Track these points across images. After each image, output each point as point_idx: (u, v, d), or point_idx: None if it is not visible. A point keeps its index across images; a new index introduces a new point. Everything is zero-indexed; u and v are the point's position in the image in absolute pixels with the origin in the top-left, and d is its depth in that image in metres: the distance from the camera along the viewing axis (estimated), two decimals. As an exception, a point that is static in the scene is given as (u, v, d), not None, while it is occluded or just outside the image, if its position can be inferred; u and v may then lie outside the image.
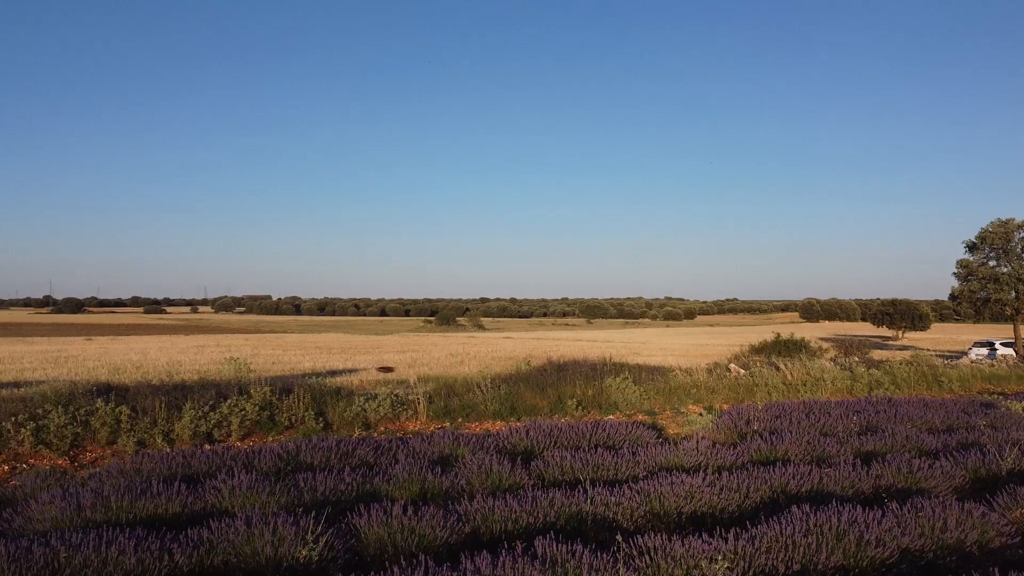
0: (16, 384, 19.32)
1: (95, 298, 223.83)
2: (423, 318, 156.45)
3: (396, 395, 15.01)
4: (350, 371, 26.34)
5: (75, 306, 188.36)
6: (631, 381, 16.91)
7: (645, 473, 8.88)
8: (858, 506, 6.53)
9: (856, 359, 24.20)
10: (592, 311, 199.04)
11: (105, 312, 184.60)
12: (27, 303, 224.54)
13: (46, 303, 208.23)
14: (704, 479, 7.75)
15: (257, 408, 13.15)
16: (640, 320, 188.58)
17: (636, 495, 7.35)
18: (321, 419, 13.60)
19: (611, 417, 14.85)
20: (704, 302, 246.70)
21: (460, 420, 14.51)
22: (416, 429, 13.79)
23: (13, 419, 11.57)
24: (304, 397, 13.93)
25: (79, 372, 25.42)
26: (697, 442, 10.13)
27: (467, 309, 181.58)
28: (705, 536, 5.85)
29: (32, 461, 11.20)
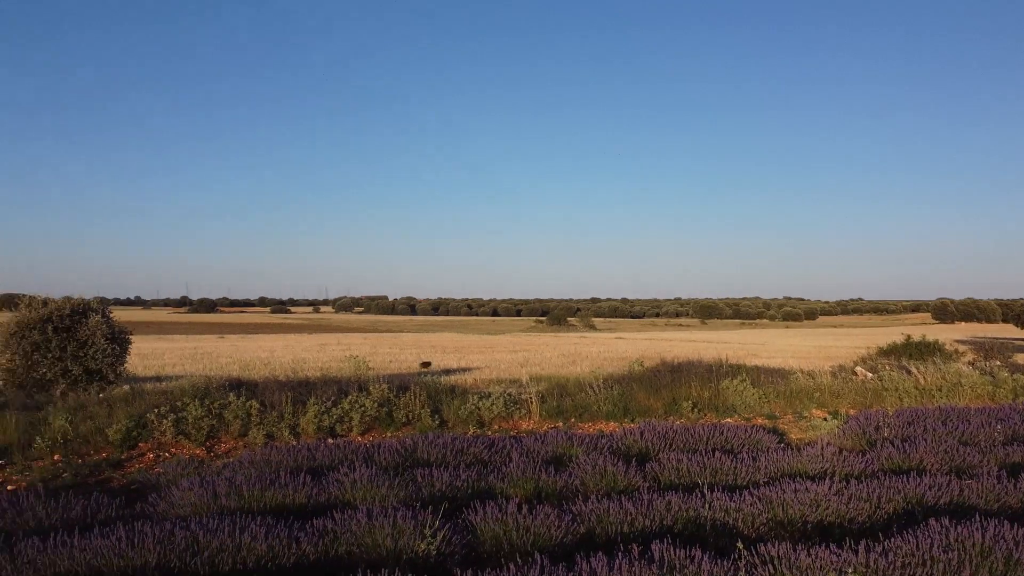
0: (158, 378, 20.75)
1: (227, 298, 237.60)
2: (534, 318, 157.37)
3: (509, 394, 15.13)
4: (464, 370, 26.77)
5: (209, 306, 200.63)
6: (749, 383, 16.37)
7: (766, 479, 8.56)
8: (1005, 522, 6.04)
9: (998, 363, 22.49)
10: (706, 311, 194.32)
11: (235, 312, 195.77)
12: (167, 303, 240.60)
13: (183, 303, 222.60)
14: (831, 487, 7.39)
15: (376, 405, 13.57)
16: (757, 321, 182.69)
17: (757, 501, 7.10)
18: (436, 416, 13.89)
19: (728, 420, 14.43)
20: (826, 302, 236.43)
21: (573, 420, 14.47)
22: (529, 428, 13.85)
23: (156, 411, 12.42)
24: (420, 395, 14.27)
25: (213, 368, 27.00)
26: (822, 448, 9.68)
27: (578, 309, 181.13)
28: (833, 547, 5.56)
29: (173, 450, 11.98)
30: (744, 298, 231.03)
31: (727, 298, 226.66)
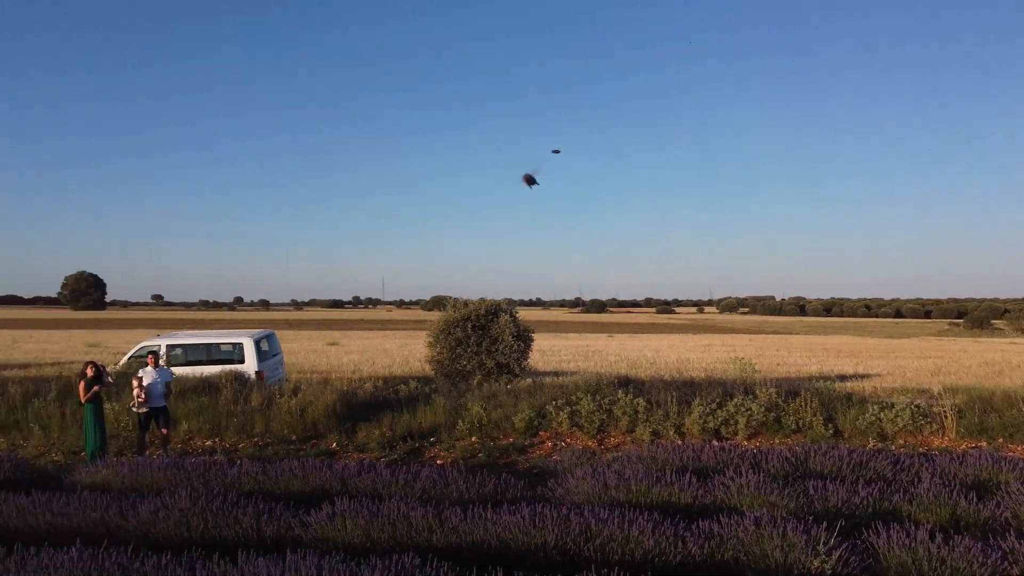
0: (555, 373, 22.57)
1: (615, 299, 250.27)
2: (948, 320, 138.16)
3: (917, 405, 13.47)
4: (861, 376, 24.57)
5: (599, 306, 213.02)
6: None
7: None
8: None
9: None
10: None
11: (623, 312, 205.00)
12: (562, 304, 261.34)
13: (576, 304, 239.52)
14: None
15: (763, 409, 13.11)
16: None
17: None
18: (830, 425, 12.95)
19: None
20: None
21: (1000, 440, 12.40)
22: (942, 446, 12.21)
23: (554, 403, 13.54)
24: (811, 401, 13.43)
25: (603, 365, 28.57)
26: None
27: (1006, 310, 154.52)
28: None
29: (568, 440, 12.93)
30: None
31: None
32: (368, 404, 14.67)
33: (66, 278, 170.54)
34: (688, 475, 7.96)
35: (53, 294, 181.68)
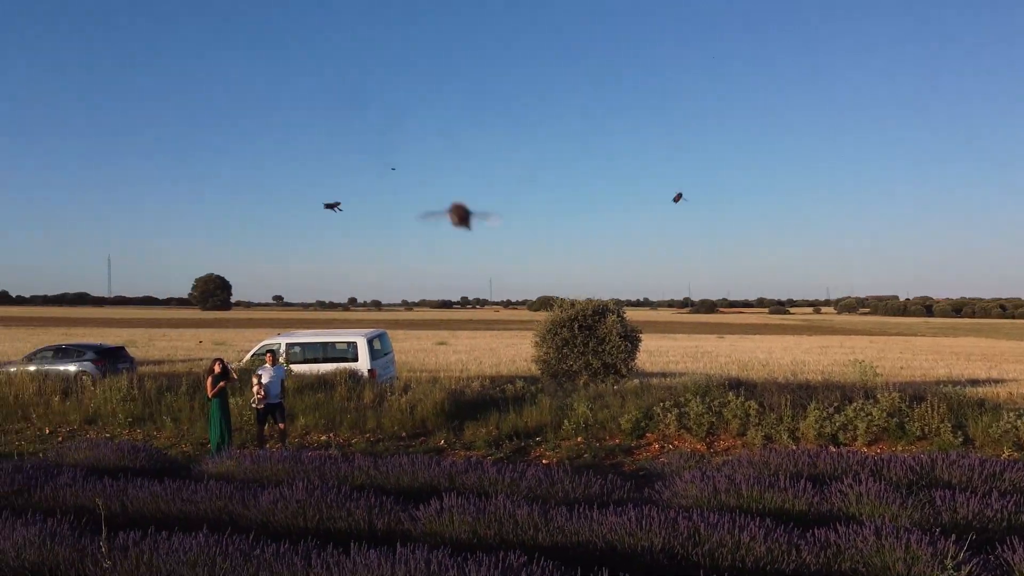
0: (663, 374, 22.24)
1: (726, 299, 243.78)
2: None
3: (1059, 413, 12.47)
4: (994, 381, 22.99)
5: (709, 307, 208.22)
6: None
7: None
8: None
9: None
10: None
11: (734, 312, 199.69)
12: (670, 304, 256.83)
13: (685, 304, 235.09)
14: None
15: (884, 414, 12.47)
16: None
17: None
18: (959, 433, 12.17)
19: None
20: None
21: None
22: (1090, 457, 11.24)
23: (661, 404, 13.33)
24: (939, 407, 12.66)
25: (712, 366, 27.92)
26: None
27: None
28: None
29: (676, 442, 12.70)
30: None
31: None
32: (475, 403, 14.90)
33: (196, 280, 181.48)
34: (803, 481, 7.65)
35: (184, 295, 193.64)
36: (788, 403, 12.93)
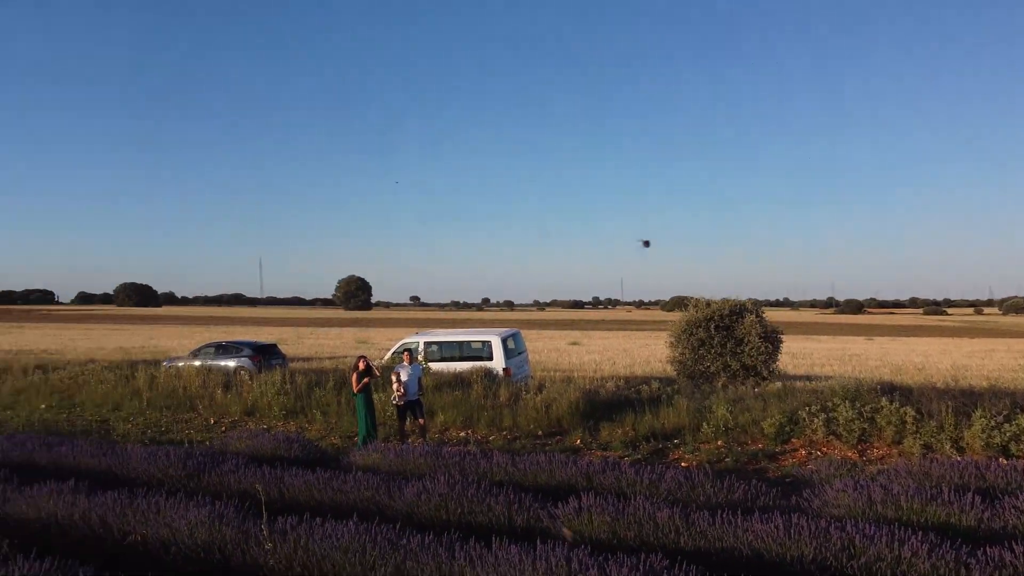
0: (807, 377, 21.24)
1: (874, 299, 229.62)
2: None
3: None
4: None
5: (855, 307, 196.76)
6: None
7: None
8: None
9: None
10: None
11: (883, 313, 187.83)
12: (813, 304, 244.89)
13: (829, 304, 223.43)
14: None
15: (1064, 424, 11.32)
16: None
17: None
18: None
19: None
20: None
21: None
22: None
23: (807, 409, 12.71)
24: None
25: (861, 370, 26.38)
26: None
27: None
28: None
29: (824, 449, 12.08)
30: None
31: None
32: (610, 403, 14.78)
33: (339, 281, 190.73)
34: (971, 494, 7.06)
35: (328, 295, 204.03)
36: (949, 410, 11.99)
